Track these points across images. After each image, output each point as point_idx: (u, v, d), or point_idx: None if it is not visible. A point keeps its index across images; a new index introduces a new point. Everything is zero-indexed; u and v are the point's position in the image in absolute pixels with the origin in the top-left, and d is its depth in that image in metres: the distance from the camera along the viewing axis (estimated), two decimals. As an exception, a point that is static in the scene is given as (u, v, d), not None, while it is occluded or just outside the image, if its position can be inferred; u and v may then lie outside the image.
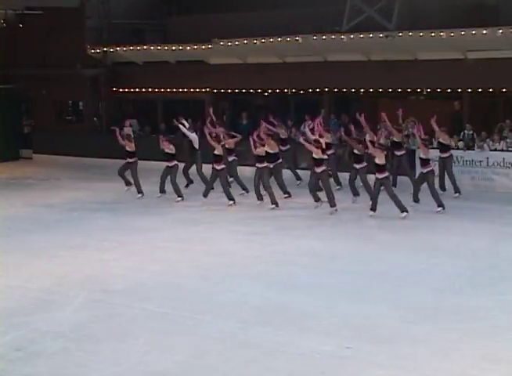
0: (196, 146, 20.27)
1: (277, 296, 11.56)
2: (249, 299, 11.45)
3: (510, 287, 11.74)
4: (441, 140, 18.50)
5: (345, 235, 15.36)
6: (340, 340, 9.70)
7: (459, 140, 19.81)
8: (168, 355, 9.44)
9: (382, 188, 16.65)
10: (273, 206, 17.81)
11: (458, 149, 19.48)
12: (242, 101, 25.36)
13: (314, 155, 17.17)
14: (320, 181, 17.29)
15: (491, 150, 19.32)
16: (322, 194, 17.47)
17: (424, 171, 17.21)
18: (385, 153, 17.18)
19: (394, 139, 18.88)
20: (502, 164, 19.06)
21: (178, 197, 19.09)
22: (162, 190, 19.47)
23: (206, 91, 24.93)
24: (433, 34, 19.79)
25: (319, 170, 17.01)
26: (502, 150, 19.32)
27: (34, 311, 11.19)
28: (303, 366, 9.01)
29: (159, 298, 11.62)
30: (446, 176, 18.52)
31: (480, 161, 19.24)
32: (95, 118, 27.09)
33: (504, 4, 20.89)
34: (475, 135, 19.71)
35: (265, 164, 18.14)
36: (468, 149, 19.55)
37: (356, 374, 8.85)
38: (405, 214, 16.40)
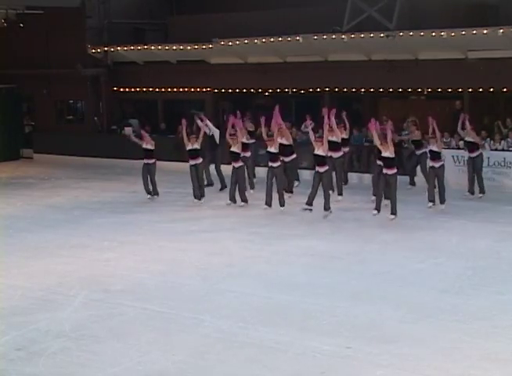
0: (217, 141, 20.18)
1: (277, 296, 11.56)
2: (249, 299, 11.46)
3: (510, 287, 11.74)
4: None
5: (345, 235, 15.35)
6: (340, 340, 9.71)
7: (460, 140, 19.81)
8: (168, 355, 9.45)
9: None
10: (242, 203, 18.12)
11: (459, 148, 19.50)
12: (242, 101, 25.35)
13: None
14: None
15: (491, 150, 19.32)
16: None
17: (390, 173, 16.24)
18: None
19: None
20: (502, 164, 19.06)
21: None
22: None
23: (206, 91, 24.93)
24: (434, 34, 19.79)
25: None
26: (502, 150, 19.34)
27: (35, 311, 11.20)
28: (303, 366, 9.02)
29: (159, 298, 11.63)
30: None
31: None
32: (95, 118, 27.10)
33: (505, 3, 20.90)
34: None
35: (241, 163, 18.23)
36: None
37: (356, 374, 8.85)
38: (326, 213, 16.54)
